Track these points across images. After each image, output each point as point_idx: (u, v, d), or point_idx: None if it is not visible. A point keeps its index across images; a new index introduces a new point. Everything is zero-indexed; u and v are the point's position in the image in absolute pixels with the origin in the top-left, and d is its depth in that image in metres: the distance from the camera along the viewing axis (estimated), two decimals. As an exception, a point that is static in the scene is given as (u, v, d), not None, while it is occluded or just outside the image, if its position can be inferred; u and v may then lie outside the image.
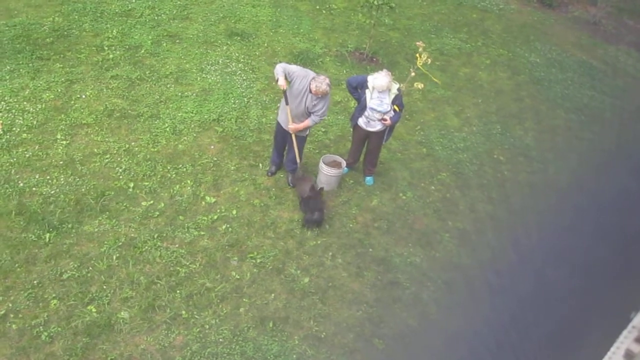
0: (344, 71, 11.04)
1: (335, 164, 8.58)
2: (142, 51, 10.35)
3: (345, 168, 8.80)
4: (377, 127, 8.34)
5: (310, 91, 7.62)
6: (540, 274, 8.09)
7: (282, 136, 8.21)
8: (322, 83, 7.54)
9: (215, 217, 7.87)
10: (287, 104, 7.91)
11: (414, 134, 10.04)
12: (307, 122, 7.91)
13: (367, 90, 8.12)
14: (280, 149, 8.39)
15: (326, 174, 8.43)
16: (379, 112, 8.17)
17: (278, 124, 8.20)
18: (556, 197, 9.38)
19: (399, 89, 8.13)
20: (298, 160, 8.22)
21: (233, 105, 9.66)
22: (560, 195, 9.44)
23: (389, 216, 8.47)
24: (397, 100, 8.14)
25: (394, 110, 8.19)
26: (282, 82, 7.66)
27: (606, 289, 8.01)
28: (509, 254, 8.31)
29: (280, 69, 7.71)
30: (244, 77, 10.32)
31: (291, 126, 7.96)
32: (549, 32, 14.15)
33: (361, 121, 8.35)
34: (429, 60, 9.12)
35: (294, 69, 7.74)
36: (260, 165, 8.74)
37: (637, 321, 4.24)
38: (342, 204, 8.51)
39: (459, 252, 8.20)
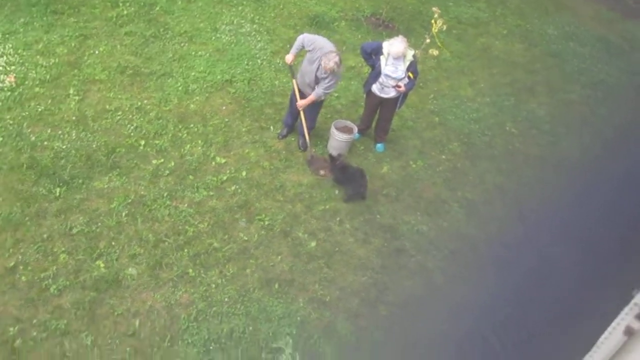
0: (359, 36, 10.81)
1: (346, 129, 8.45)
2: (157, 8, 10.16)
3: (357, 134, 8.68)
4: (390, 93, 8.19)
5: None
6: (546, 248, 8.03)
7: (301, 96, 8.13)
8: (330, 60, 7.42)
9: (225, 178, 7.80)
10: (292, 77, 8.04)
11: (427, 103, 9.87)
12: (312, 97, 7.86)
13: (381, 57, 7.95)
14: (295, 112, 8.27)
15: (337, 139, 8.32)
16: (393, 78, 8.02)
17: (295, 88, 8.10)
18: (567, 172, 9.26)
19: (414, 56, 7.96)
20: (307, 140, 8.15)
21: (246, 67, 9.51)
22: (570, 170, 9.30)
23: (398, 184, 8.37)
24: (411, 67, 7.98)
25: (409, 78, 8.04)
26: (289, 58, 7.81)
27: (612, 265, 7.94)
28: (516, 226, 8.24)
29: (299, 42, 7.73)
30: (258, 39, 10.14)
31: (299, 103, 7.93)
32: (568, 4, 13.80)
33: (375, 87, 8.21)
34: (445, 27, 8.92)
35: (316, 38, 7.69)
36: (272, 127, 8.63)
37: (639, 298, 4.18)
38: (352, 170, 8.43)
39: (466, 222, 8.12)
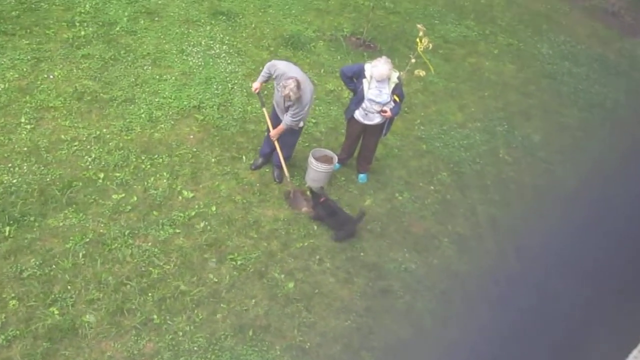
0: (338, 57, 11.02)
1: (325, 159, 8.58)
2: (117, 28, 10.29)
3: (337, 164, 8.80)
4: (375, 119, 8.34)
5: None
6: (544, 285, 8.15)
7: (276, 123, 8.23)
8: (285, 88, 7.61)
9: (193, 213, 7.86)
10: (262, 106, 8.32)
11: (413, 129, 10.05)
12: (281, 127, 8.06)
13: (364, 80, 8.11)
14: (272, 141, 8.39)
15: (316, 170, 8.44)
16: (377, 103, 8.17)
17: (273, 108, 8.22)
18: (563, 202, 9.44)
19: (399, 78, 8.14)
20: (285, 171, 8.28)
21: (215, 92, 9.64)
22: (568, 199, 9.49)
23: (383, 218, 8.49)
24: (397, 90, 8.15)
25: (394, 101, 8.20)
26: (255, 85, 8.10)
27: (615, 301, 8.08)
28: (511, 262, 8.37)
29: (265, 69, 7.98)
30: (229, 61, 10.29)
31: (271, 134, 8.17)
32: (563, 21, 14.21)
33: (358, 114, 8.36)
34: (430, 45, 9.14)
35: (279, 65, 7.90)
36: (244, 157, 8.73)
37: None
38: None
39: (458, 258, 8.24)
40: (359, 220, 8.01)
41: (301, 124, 8.11)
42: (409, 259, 8.04)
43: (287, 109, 7.90)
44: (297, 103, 7.75)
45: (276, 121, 8.19)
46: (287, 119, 7.92)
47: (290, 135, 8.26)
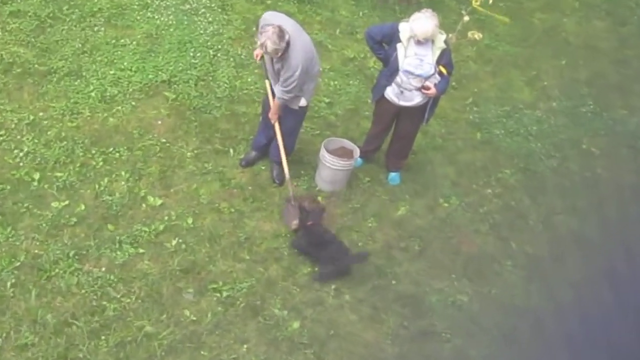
0: (361, 13, 11.05)
1: (343, 153, 8.60)
2: (58, -24, 10.38)
3: (359, 159, 8.83)
4: (414, 99, 8.33)
5: None
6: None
7: (267, 104, 8.26)
8: (263, 35, 7.54)
9: (162, 227, 7.89)
10: (265, 77, 8.25)
11: (464, 111, 10.03)
12: (275, 103, 8.07)
13: (398, 45, 8.10)
14: (270, 127, 8.39)
15: (330, 167, 8.46)
16: (417, 76, 8.16)
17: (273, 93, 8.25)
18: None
19: (446, 42, 8.12)
20: (285, 170, 8.28)
21: (193, 61, 9.67)
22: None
23: (423, 233, 8.49)
24: (444, 58, 8.11)
25: (440, 74, 8.19)
26: (257, 52, 8.07)
27: None
28: (601, 292, 8.32)
29: (262, 22, 7.91)
30: (210, 19, 10.34)
31: (270, 112, 8.21)
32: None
33: (390, 92, 8.35)
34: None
35: (266, 16, 7.90)
36: (231, 151, 8.76)
37: None
38: (353, 212, 8.54)
39: (526, 289, 8.21)
40: (358, 260, 7.97)
41: (302, 102, 8.10)
42: (458, 289, 8.04)
43: (278, 75, 7.91)
44: (283, 62, 7.74)
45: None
46: (278, 90, 7.95)
47: (291, 120, 8.29)
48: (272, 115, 8.18)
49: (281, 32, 7.50)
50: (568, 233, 8.88)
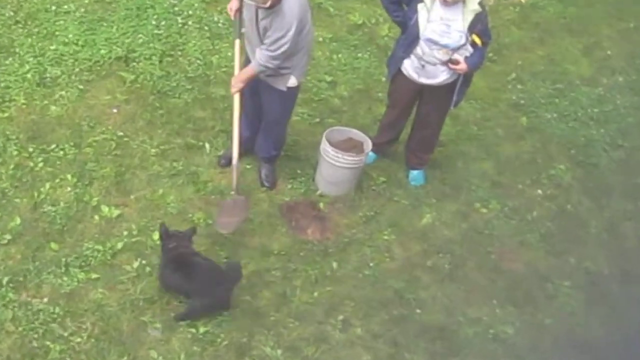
0: (371, -34, 11.09)
1: (351, 146, 8.64)
2: None
3: (372, 153, 8.88)
4: (439, 76, 8.36)
5: None
6: None
7: (253, 86, 8.23)
8: None
9: (120, 245, 7.90)
10: (236, 36, 8.19)
11: (505, 90, 10.06)
12: (251, 68, 7.97)
13: (420, 6, 8.11)
14: (252, 113, 8.41)
15: (334, 164, 8.49)
16: (443, 46, 8.19)
17: (247, 61, 8.24)
18: None
19: (481, 3, 8.13)
20: (234, 153, 8.18)
21: (156, 32, 9.71)
22: None
23: (455, 247, 8.54)
24: (478, 24, 8.11)
25: (473, 45, 8.21)
26: (233, 3, 7.99)
27: None
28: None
29: None
30: (177, -24, 10.41)
31: (233, 80, 8.11)
32: None
33: (408, 66, 8.38)
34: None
35: None
36: (207, 145, 8.81)
37: None
38: (365, 222, 8.59)
39: (588, 316, 8.26)
40: (233, 280, 7.73)
41: (292, 82, 8.05)
42: (501, 318, 8.08)
43: (261, 36, 7.88)
44: (274, 18, 7.70)
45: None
46: (261, 55, 7.82)
47: (277, 103, 8.25)
48: (235, 84, 8.06)
49: None
50: (639, 245, 8.92)
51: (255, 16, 7.70)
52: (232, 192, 8.23)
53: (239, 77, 8.03)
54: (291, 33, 7.59)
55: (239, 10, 7.97)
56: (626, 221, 9.08)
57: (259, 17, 7.66)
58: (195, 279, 7.48)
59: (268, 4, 7.41)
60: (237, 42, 8.12)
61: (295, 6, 7.54)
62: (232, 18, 8.14)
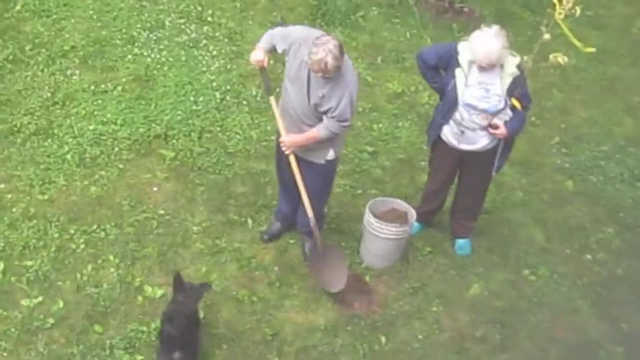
0: (408, 34, 11.10)
1: (395, 217, 8.58)
2: (17, 7, 10.48)
3: (416, 223, 8.80)
4: (479, 141, 8.32)
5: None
6: None
7: (288, 162, 8.20)
8: (320, 48, 7.44)
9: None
10: (267, 94, 8.13)
11: (549, 154, 10.00)
12: (315, 133, 7.84)
13: (457, 71, 8.10)
14: (291, 187, 8.37)
15: (378, 235, 8.42)
16: (482, 111, 8.15)
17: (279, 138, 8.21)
18: None
19: (520, 66, 8.11)
20: (310, 214, 8.19)
21: (194, 108, 9.74)
22: None
23: (505, 317, 8.40)
24: (517, 88, 8.07)
25: (512, 109, 8.17)
26: (257, 56, 7.86)
27: None
28: None
29: (266, 37, 7.90)
30: (214, 52, 10.41)
31: (285, 139, 7.95)
32: None
33: (448, 132, 8.34)
34: (578, 10, 9.06)
35: (292, 31, 7.85)
36: (250, 221, 8.76)
37: None
38: (412, 294, 8.47)
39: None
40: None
41: (330, 155, 7.97)
42: (556, 390, 7.96)
43: (318, 102, 7.73)
44: (336, 86, 7.55)
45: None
46: (328, 124, 7.70)
47: (315, 177, 8.13)
48: (291, 145, 7.91)
49: (341, 45, 7.46)
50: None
51: (307, 83, 7.66)
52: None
53: (298, 140, 7.90)
54: (355, 99, 7.70)
55: (265, 62, 7.91)
56: (682, 285, 8.95)
57: (313, 85, 7.61)
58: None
59: (331, 75, 7.44)
60: (272, 98, 8.04)
61: (354, 72, 7.75)
62: (259, 68, 8.04)
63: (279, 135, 8.05)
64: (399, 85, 10.42)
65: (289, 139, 7.89)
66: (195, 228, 8.67)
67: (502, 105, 8.08)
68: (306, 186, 8.14)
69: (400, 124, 10.01)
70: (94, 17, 10.60)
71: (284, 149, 7.95)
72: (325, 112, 7.67)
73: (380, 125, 9.92)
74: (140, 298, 8.04)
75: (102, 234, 8.48)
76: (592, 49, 9.88)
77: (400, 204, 8.71)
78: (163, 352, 7.38)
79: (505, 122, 8.12)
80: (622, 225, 9.44)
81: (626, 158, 10.15)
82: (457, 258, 8.87)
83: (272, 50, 7.90)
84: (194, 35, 10.60)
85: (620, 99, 10.85)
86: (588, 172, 9.93)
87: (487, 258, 8.91)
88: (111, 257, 8.29)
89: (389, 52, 10.77)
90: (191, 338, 7.38)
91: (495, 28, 7.92)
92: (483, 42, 7.85)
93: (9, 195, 8.66)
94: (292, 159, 7.97)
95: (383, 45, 10.86)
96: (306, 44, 7.52)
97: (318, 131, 7.77)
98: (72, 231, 8.45)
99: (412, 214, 8.65)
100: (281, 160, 8.25)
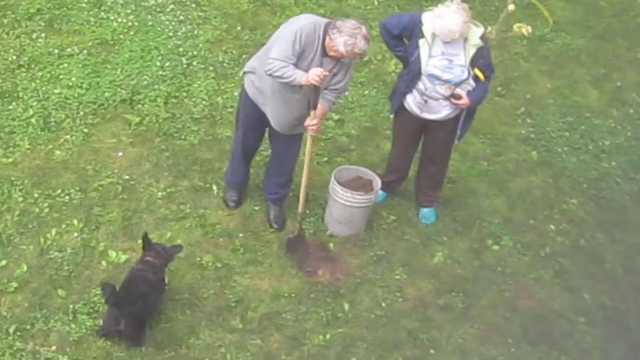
0: (376, 2, 11.09)
1: (361, 185, 8.61)
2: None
3: (381, 192, 8.84)
4: (442, 111, 8.35)
5: (326, 54, 7.67)
6: None
7: (256, 128, 8.21)
8: (359, 41, 7.45)
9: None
10: (313, 108, 7.90)
11: (515, 124, 10.04)
12: (326, 109, 8.01)
13: (421, 41, 8.12)
14: (249, 154, 8.41)
15: (344, 204, 8.45)
16: (445, 82, 8.18)
17: (247, 100, 8.25)
18: None
19: (484, 38, 8.14)
20: (300, 208, 8.29)
21: (161, 73, 9.72)
22: None
23: (468, 286, 8.47)
24: (481, 59, 8.12)
25: (475, 79, 8.21)
26: (312, 77, 7.59)
27: None
28: None
29: (287, 60, 7.63)
30: (182, 17, 10.39)
31: (314, 122, 7.92)
32: None
33: (411, 101, 8.37)
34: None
35: (305, 23, 7.75)
36: (215, 188, 8.77)
37: None
38: (376, 262, 8.52)
39: (607, 354, 8.18)
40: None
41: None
42: (517, 357, 7.99)
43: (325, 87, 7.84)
44: (342, 65, 7.80)
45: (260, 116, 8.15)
46: (333, 96, 7.95)
47: (295, 143, 8.33)
48: (316, 129, 7.99)
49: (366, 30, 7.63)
50: (658, 280, 8.87)
51: (328, 67, 7.77)
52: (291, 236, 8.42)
53: (321, 121, 8.08)
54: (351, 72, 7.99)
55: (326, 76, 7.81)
56: (642, 255, 9.03)
57: (325, 67, 7.71)
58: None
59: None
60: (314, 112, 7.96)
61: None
62: (308, 86, 7.79)
63: (248, 101, 8.14)
64: (368, 54, 10.42)
65: (316, 123, 7.93)
66: (160, 194, 8.68)
67: (465, 76, 8.14)
68: (288, 158, 8.37)
69: (366, 92, 10.03)
70: (60, -20, 10.53)
71: (313, 132, 8.01)
72: (329, 88, 7.85)
73: (346, 93, 9.91)
74: (104, 263, 8.05)
75: (67, 198, 8.47)
76: (549, 19, 9.92)
77: (366, 172, 8.75)
78: (110, 317, 7.42)
79: (469, 93, 8.19)
80: (586, 196, 9.51)
81: (591, 129, 10.21)
82: (421, 227, 8.92)
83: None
84: (161, 0, 10.54)
85: (586, 71, 10.89)
86: (553, 143, 9.97)
87: (452, 227, 8.96)
88: (75, 222, 8.28)
89: (357, 18, 10.76)
90: (145, 306, 7.42)
91: (457, 2, 7.94)
92: (445, 19, 7.90)
93: (-27, 159, 8.66)
94: (310, 141, 8.11)
95: (350, 13, 10.83)
96: (312, 34, 7.64)
97: (328, 107, 8.02)
98: (36, 195, 8.44)
99: (378, 182, 8.69)
100: (245, 125, 8.34)
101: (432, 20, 7.97)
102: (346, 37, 7.46)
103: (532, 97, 10.41)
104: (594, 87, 10.71)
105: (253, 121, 8.21)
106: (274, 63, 7.57)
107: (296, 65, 7.61)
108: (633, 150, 10.05)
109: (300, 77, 7.56)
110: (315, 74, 7.52)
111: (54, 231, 8.20)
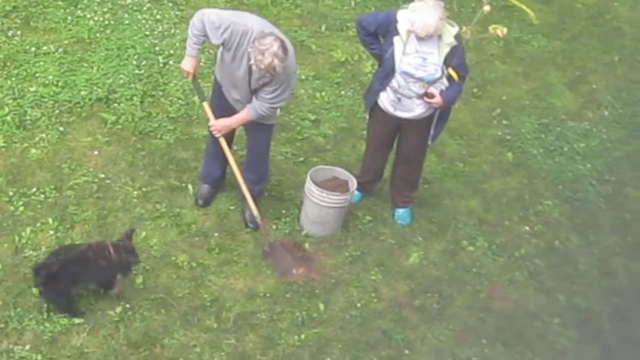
0: (352, 3, 11.09)
1: (336, 185, 8.62)
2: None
3: (357, 192, 8.85)
4: (415, 110, 8.37)
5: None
6: None
7: (225, 113, 8.24)
8: (265, 52, 7.51)
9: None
10: (201, 100, 8.37)
11: (490, 125, 10.08)
12: (245, 115, 8.02)
13: (395, 38, 8.15)
14: (218, 152, 8.41)
15: (319, 203, 8.46)
16: (418, 80, 8.20)
17: (215, 84, 8.31)
18: None
19: (458, 37, 8.17)
20: (255, 212, 8.33)
21: (137, 72, 9.70)
22: None
23: (443, 286, 8.49)
24: (455, 58, 8.14)
25: (449, 78, 8.24)
26: (186, 66, 8.08)
27: None
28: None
29: (196, 28, 7.89)
30: (158, 16, 10.39)
31: (214, 123, 8.12)
32: None
33: (384, 99, 8.39)
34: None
35: (226, 18, 7.83)
36: (190, 187, 8.76)
37: None
38: (351, 262, 8.54)
39: (580, 354, 8.22)
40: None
41: (278, 113, 8.22)
42: (490, 358, 8.04)
43: (255, 90, 7.90)
44: (277, 78, 7.74)
45: (223, 111, 8.21)
46: (257, 105, 7.89)
47: (263, 137, 8.35)
48: (222, 128, 8.12)
49: (284, 43, 7.58)
50: (630, 279, 8.89)
51: (249, 73, 7.81)
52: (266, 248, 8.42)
53: (228, 123, 8.11)
54: (292, 84, 7.95)
55: (194, 74, 8.16)
56: (615, 257, 9.06)
57: (254, 75, 7.78)
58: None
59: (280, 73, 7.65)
60: (205, 104, 8.24)
61: (293, 59, 7.80)
62: (190, 79, 8.26)
63: (218, 91, 8.31)
64: (342, 53, 10.43)
65: (218, 123, 8.10)
66: (135, 193, 8.67)
67: (438, 74, 8.16)
68: (256, 149, 8.40)
69: (342, 92, 10.03)
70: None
71: (214, 133, 8.16)
72: (258, 91, 7.88)
73: (323, 93, 9.94)
74: (78, 261, 8.03)
75: (42, 196, 8.45)
76: (532, 15, 9.95)
77: (342, 173, 8.76)
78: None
79: (441, 92, 8.22)
80: (560, 198, 9.55)
81: (566, 131, 10.25)
82: (396, 227, 8.94)
83: (201, 48, 8.15)
84: (137, -2, 10.57)
85: (562, 73, 10.93)
86: (528, 145, 10.01)
87: (427, 228, 8.98)
88: (50, 220, 8.26)
89: (333, 20, 10.76)
90: (68, 275, 7.44)
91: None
92: (421, 14, 7.91)
93: (-53, 157, 8.63)
94: (222, 141, 8.18)
95: (327, 13, 10.85)
96: (245, 36, 7.70)
97: (248, 113, 8.01)
98: (10, 193, 8.42)
99: (353, 182, 8.70)
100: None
101: (407, 16, 7.99)
102: (256, 52, 7.53)
103: (508, 99, 10.44)
104: (569, 89, 10.76)
105: (221, 109, 8.23)
106: (198, 20, 7.90)
107: (222, 55, 7.93)
108: (607, 152, 10.09)
109: (186, 52, 8.08)
110: (183, 66, 8.15)
111: (28, 229, 8.17)
